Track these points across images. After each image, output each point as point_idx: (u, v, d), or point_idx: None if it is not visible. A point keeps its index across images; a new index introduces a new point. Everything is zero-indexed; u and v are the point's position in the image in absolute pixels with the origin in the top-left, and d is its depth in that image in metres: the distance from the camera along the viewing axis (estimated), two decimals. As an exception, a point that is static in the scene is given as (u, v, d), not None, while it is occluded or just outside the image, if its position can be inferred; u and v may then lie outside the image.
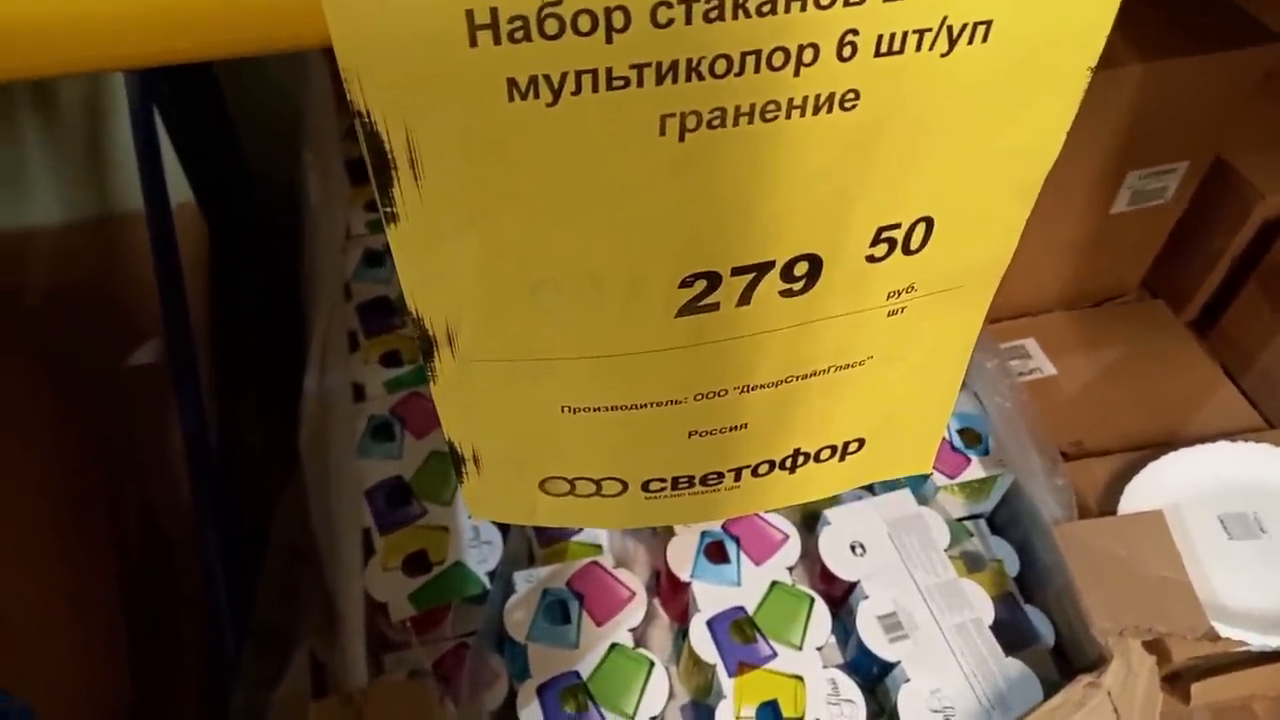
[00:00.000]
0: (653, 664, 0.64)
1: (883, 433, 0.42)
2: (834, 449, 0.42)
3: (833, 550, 0.69)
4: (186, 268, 1.07)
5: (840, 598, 0.69)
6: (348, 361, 0.79)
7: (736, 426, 0.38)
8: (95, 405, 0.85)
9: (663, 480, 0.40)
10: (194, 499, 0.71)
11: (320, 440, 0.72)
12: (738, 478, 0.41)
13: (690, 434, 0.38)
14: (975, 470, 0.74)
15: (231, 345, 0.94)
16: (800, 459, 0.41)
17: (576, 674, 0.63)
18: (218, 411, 0.89)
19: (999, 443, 0.75)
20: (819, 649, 0.65)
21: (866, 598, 0.67)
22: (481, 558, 0.69)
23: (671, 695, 0.67)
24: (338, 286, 0.81)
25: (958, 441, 0.76)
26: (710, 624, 0.65)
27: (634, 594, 0.67)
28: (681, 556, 0.69)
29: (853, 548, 0.69)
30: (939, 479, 0.74)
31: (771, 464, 0.41)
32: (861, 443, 0.42)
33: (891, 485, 0.75)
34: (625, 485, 0.40)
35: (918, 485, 0.74)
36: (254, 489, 0.84)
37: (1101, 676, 0.57)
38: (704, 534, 0.70)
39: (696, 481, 0.40)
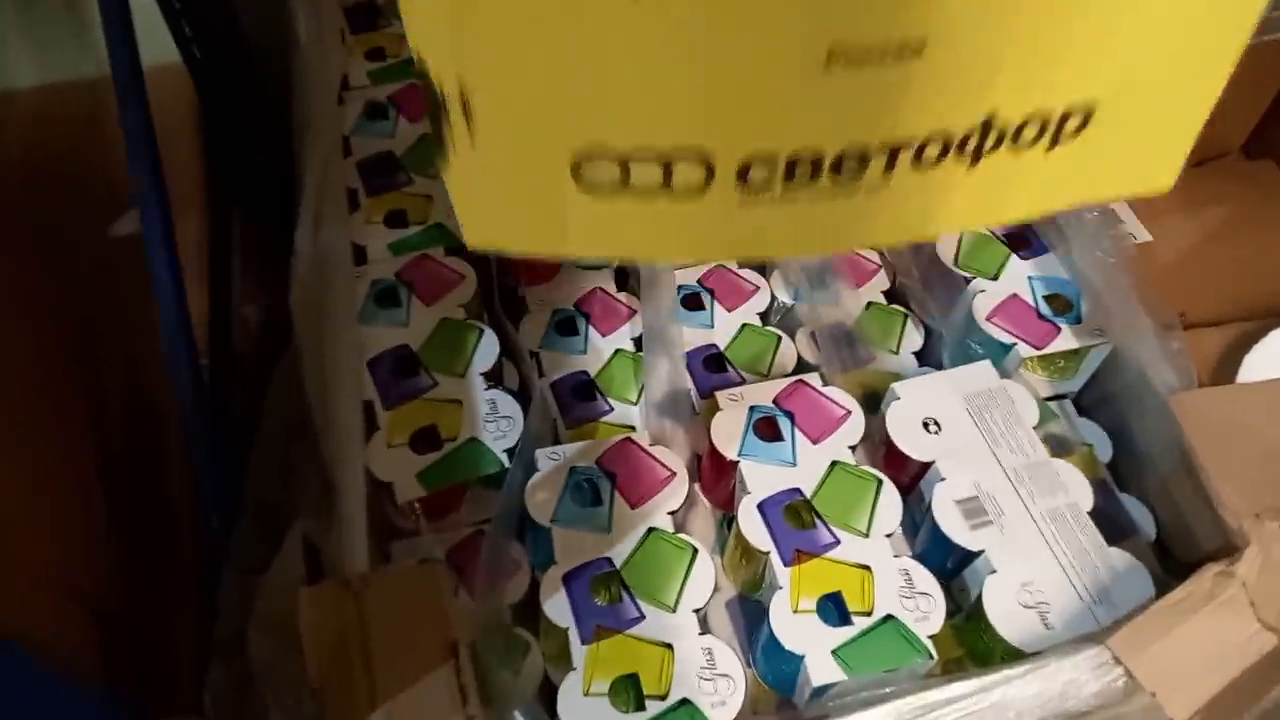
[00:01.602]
0: (696, 551, 0.55)
1: (1122, 101, 0.27)
2: (1045, 124, 0.26)
3: (902, 427, 0.60)
4: (175, 132, 0.98)
5: (911, 482, 0.60)
6: (347, 220, 0.69)
7: (908, 46, 0.23)
8: (76, 278, 0.77)
9: (771, 158, 0.25)
10: (169, 372, 0.63)
11: (316, 305, 0.63)
12: (891, 164, 0.26)
13: (831, 55, 0.23)
14: (1065, 340, 0.64)
15: (226, 213, 0.85)
16: (991, 137, 0.26)
17: (609, 561, 0.55)
18: (208, 282, 0.80)
19: (1096, 308, 0.65)
20: (888, 536, 0.56)
21: (943, 480, 0.58)
22: (499, 433, 0.60)
23: (717, 588, 0.59)
24: (333, 135, 0.72)
25: (1045, 308, 0.66)
26: (762, 507, 0.57)
27: (673, 474, 0.59)
28: (728, 433, 0.60)
29: (925, 425, 0.60)
30: (1023, 349, 0.64)
31: (947, 144, 0.26)
32: (1088, 116, 0.27)
33: (968, 355, 0.66)
34: (710, 170, 0.26)
35: (999, 356, 0.64)
36: (252, 362, 0.76)
37: (1235, 564, 0.48)
38: (753, 409, 0.61)
39: (825, 167, 0.26)
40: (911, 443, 0.59)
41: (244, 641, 0.53)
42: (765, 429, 0.61)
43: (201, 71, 0.92)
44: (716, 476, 0.62)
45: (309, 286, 0.63)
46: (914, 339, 0.72)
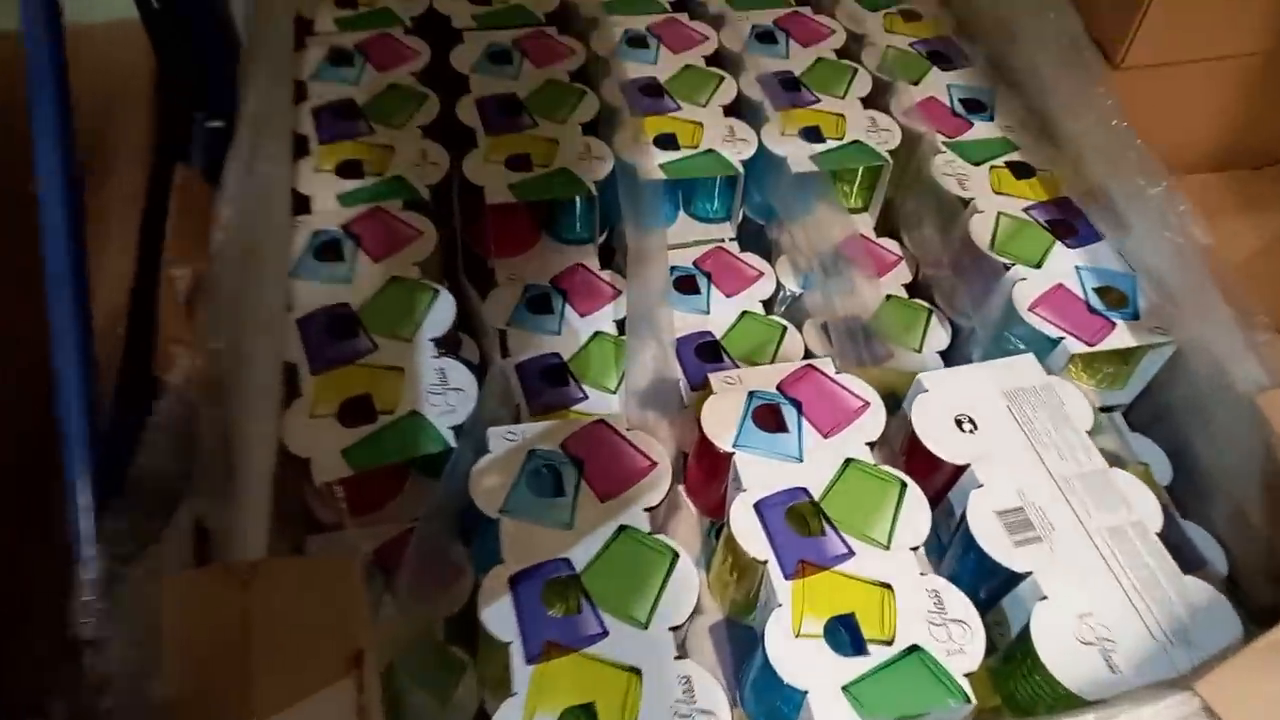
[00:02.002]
0: (676, 555, 0.45)
1: None
2: None
3: (930, 423, 0.50)
4: (127, 87, 0.89)
5: (939, 490, 0.49)
6: (289, 164, 0.60)
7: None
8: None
9: None
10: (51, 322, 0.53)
11: (241, 253, 0.54)
12: None
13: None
14: (1121, 337, 0.55)
15: (169, 173, 0.76)
16: None
17: (567, 563, 0.44)
18: (138, 243, 0.70)
19: (1158, 302, 0.55)
20: (913, 550, 0.45)
21: (980, 486, 0.47)
22: (447, 408, 0.50)
23: (699, 609, 0.48)
24: (277, 71, 0.63)
25: (1096, 301, 0.56)
26: (760, 508, 0.46)
27: (654, 463, 0.49)
28: (721, 420, 0.50)
29: (959, 423, 0.50)
30: (1072, 345, 0.54)
31: None
32: None
33: (1004, 352, 0.56)
34: None
35: (1043, 352, 0.54)
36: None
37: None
38: (753, 395, 0.51)
39: None
40: (941, 441, 0.49)
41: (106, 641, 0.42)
42: (766, 418, 0.51)
43: (158, 25, 0.84)
44: (706, 475, 0.52)
45: (234, 231, 0.54)
46: (939, 337, 0.62)
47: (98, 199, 0.77)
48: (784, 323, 0.62)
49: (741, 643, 0.48)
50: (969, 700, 0.41)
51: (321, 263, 0.56)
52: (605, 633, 0.42)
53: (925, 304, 0.64)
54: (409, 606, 0.46)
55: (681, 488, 0.55)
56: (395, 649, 0.45)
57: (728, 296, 0.64)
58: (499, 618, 0.42)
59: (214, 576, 0.40)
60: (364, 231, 0.58)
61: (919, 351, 0.61)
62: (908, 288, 0.66)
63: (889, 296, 0.64)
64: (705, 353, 0.61)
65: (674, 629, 0.42)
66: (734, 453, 0.49)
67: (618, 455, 0.49)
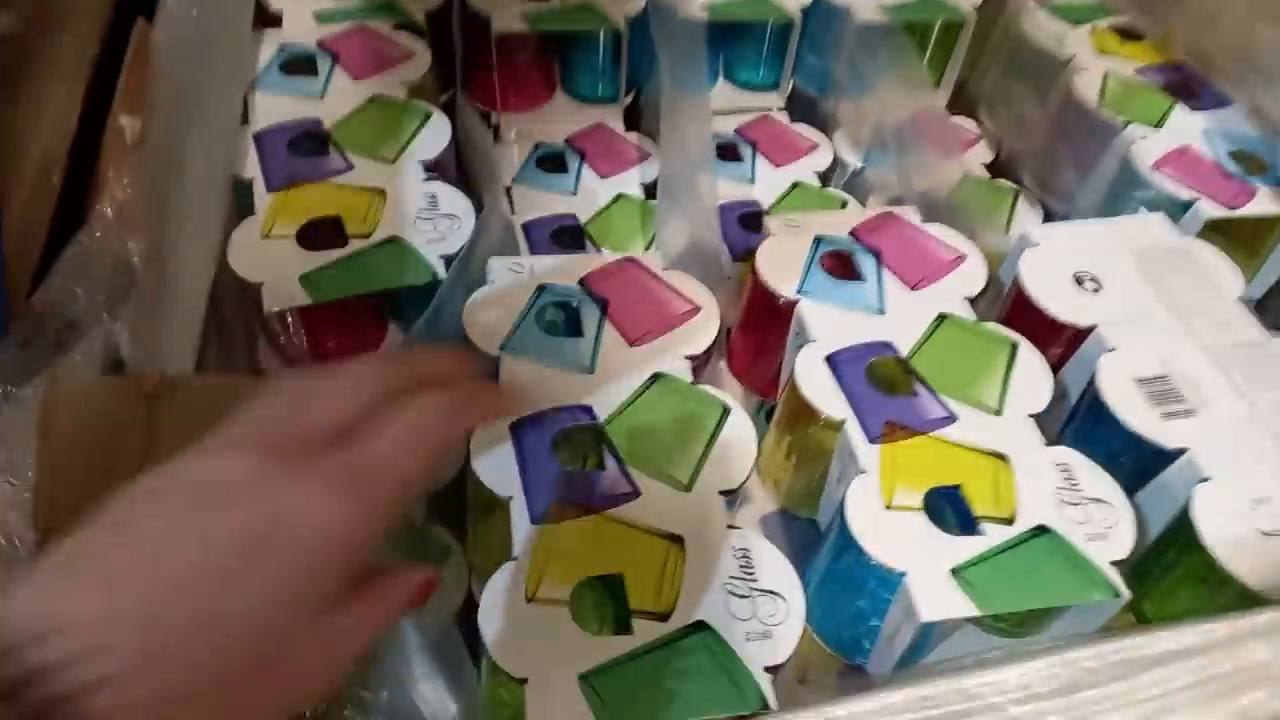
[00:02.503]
0: (727, 409, 0.35)
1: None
2: None
3: (1044, 280, 0.40)
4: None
5: (1056, 358, 0.39)
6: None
7: None
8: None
9: None
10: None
11: (190, 58, 0.44)
12: None
13: None
14: (1266, 203, 0.45)
15: (129, 24, 0.66)
16: None
17: (587, 411, 0.34)
18: (86, 92, 0.60)
19: (1306, 167, 0.46)
20: (1033, 416, 0.35)
21: (1112, 350, 0.37)
22: (436, 235, 0.40)
23: (744, 497, 0.38)
24: None
25: (1231, 165, 0.47)
26: (833, 362, 0.36)
27: (697, 308, 0.38)
28: (780, 266, 0.40)
29: (1079, 281, 0.40)
30: (1208, 208, 0.44)
31: None
32: None
33: (1119, 197, 0.46)
34: None
35: (1174, 216, 0.45)
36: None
37: None
38: (820, 240, 0.41)
39: None
40: (1059, 300, 0.39)
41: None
42: (837, 266, 0.41)
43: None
44: (758, 341, 0.42)
45: (180, 27, 0.44)
46: (1029, 219, 0.52)
47: (48, 53, 0.67)
48: (844, 195, 0.52)
49: (801, 543, 0.38)
50: (1119, 594, 0.30)
51: (289, 77, 0.46)
52: (636, 493, 0.31)
53: (1011, 184, 0.54)
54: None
55: (724, 365, 0.45)
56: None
57: (776, 167, 0.54)
58: (496, 469, 0.31)
59: (115, 388, 0.30)
60: (343, 49, 0.48)
61: (1006, 234, 0.51)
62: (989, 169, 0.56)
63: (966, 177, 0.54)
64: (750, 223, 0.51)
65: (725, 494, 0.32)
66: (797, 301, 0.38)
67: (651, 296, 0.38)
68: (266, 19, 0.50)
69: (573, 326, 0.37)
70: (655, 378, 0.35)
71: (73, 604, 0.18)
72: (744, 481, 0.33)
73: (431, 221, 0.40)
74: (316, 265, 0.38)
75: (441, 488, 0.37)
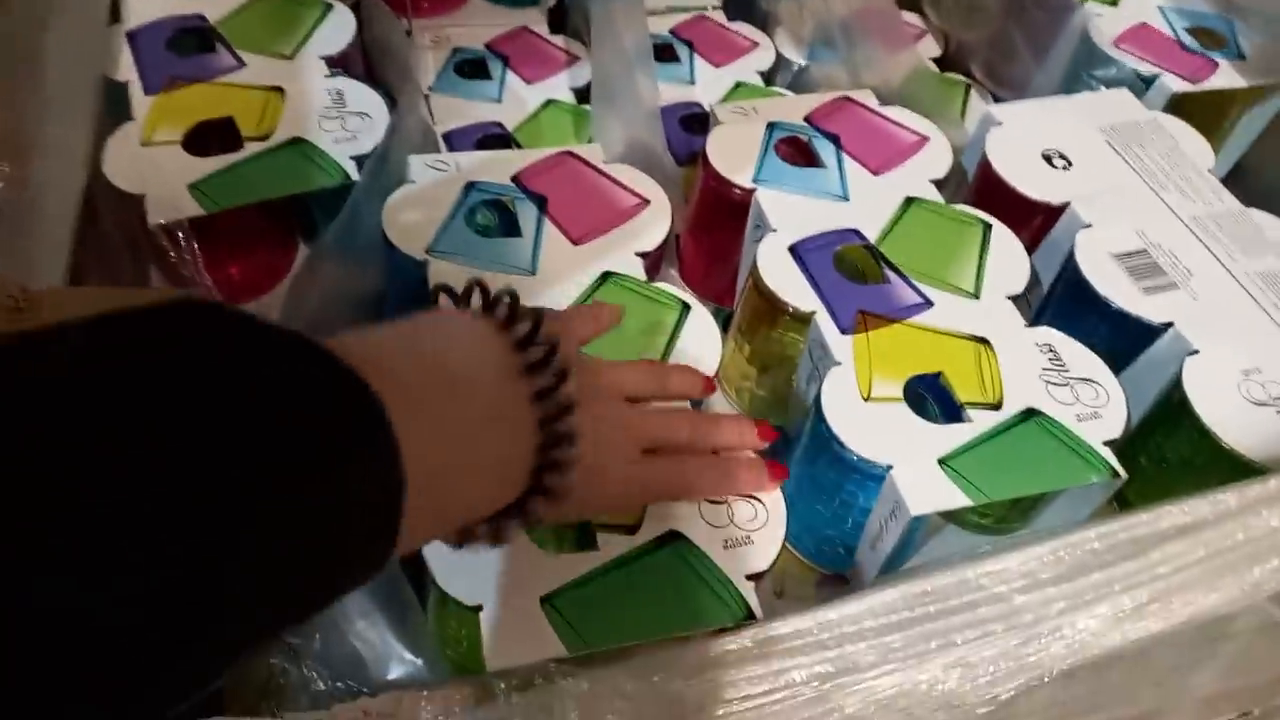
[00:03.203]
0: (687, 306, 0.31)
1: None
2: None
3: (1012, 159, 0.37)
4: None
5: (1033, 235, 0.37)
6: None
7: None
8: None
9: None
10: None
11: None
12: None
13: None
14: (1228, 76, 0.43)
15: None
16: None
17: (528, 315, 0.30)
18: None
19: (1270, 39, 0.44)
20: (1012, 299, 0.33)
21: (1088, 226, 0.35)
22: (345, 135, 0.35)
23: (705, 408, 0.35)
24: None
25: (1189, 40, 0.45)
26: (797, 251, 0.33)
27: (645, 201, 0.35)
28: (733, 154, 0.36)
29: (1048, 159, 0.38)
30: (1171, 82, 0.42)
31: None
32: None
33: (1078, 79, 0.44)
34: None
35: (1140, 89, 0.42)
36: None
37: None
38: (774, 126, 0.38)
39: None
40: (1029, 178, 0.37)
41: None
42: (793, 153, 0.38)
43: None
44: (712, 243, 0.38)
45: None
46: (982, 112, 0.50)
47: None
48: (790, 94, 0.49)
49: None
50: (1116, 474, 0.28)
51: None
52: (588, 398, 0.28)
53: (962, 77, 0.52)
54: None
55: (674, 273, 0.41)
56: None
57: (716, 67, 0.50)
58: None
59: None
60: (231, -61, 0.42)
61: (961, 125, 0.49)
62: (937, 64, 0.53)
63: (916, 70, 0.52)
64: (693, 125, 0.47)
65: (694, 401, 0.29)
66: (754, 190, 0.35)
67: (595, 191, 0.35)
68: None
69: (508, 227, 0.33)
70: (605, 277, 0.32)
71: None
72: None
73: (339, 120, 0.36)
74: (208, 172, 0.33)
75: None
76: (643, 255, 0.33)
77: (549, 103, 0.47)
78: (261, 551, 0.15)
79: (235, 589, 0.15)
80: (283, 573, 0.15)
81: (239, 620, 0.15)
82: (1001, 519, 0.32)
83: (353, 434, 0.17)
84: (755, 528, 0.26)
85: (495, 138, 0.45)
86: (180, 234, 0.32)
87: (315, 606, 0.17)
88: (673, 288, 0.32)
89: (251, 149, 0.34)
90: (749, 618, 0.24)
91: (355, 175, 0.34)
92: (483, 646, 0.23)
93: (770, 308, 0.32)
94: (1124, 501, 0.33)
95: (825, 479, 0.30)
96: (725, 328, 0.38)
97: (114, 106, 0.36)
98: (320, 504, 0.16)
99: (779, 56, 0.52)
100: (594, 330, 0.28)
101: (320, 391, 0.17)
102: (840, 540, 0.31)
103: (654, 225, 0.34)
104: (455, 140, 0.44)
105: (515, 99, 0.47)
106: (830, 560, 0.32)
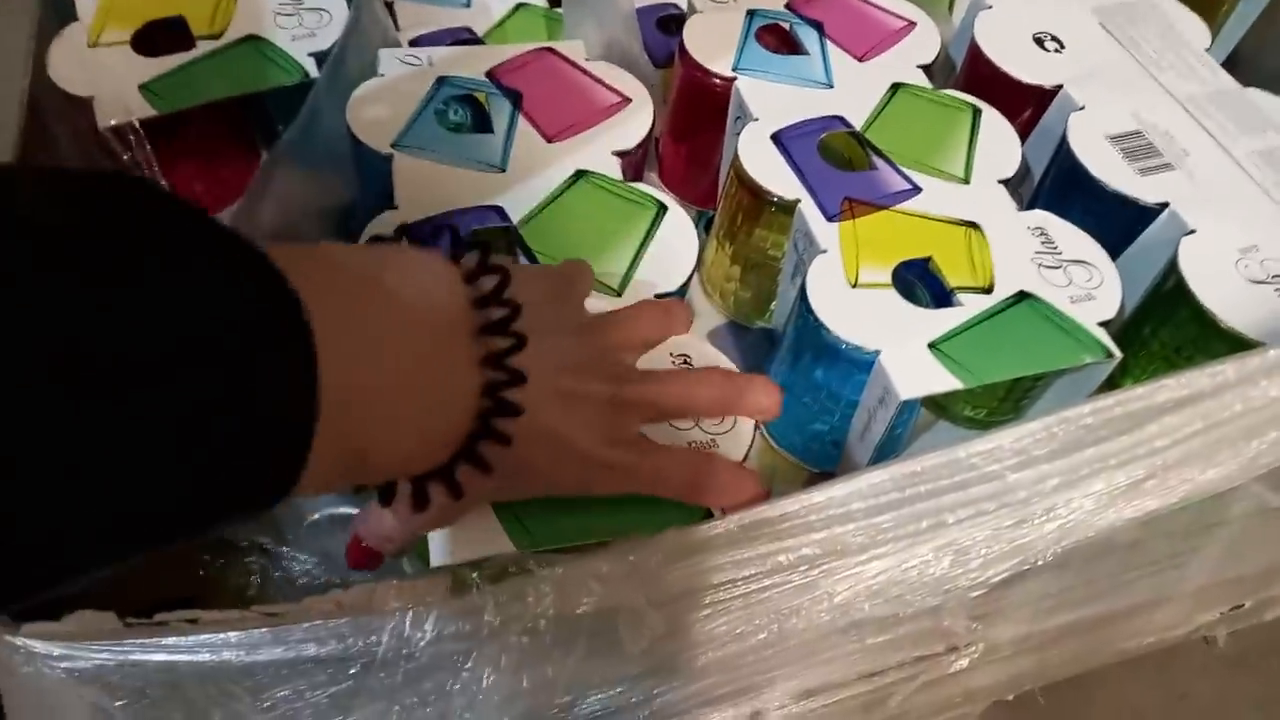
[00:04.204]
0: (663, 207, 0.30)
1: None
2: None
3: (1002, 43, 0.36)
4: None
5: (1024, 124, 0.35)
6: None
7: None
8: None
9: None
10: None
11: None
12: None
13: None
14: (1226, -43, 0.41)
15: None
16: None
17: (498, 212, 0.29)
18: None
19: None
20: (1003, 182, 0.32)
21: (1081, 109, 0.34)
22: (303, 31, 0.34)
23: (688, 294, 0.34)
24: None
25: (1188, -80, 0.43)
26: (780, 139, 0.32)
27: (626, 99, 0.33)
28: (712, 42, 0.35)
29: (1039, 41, 0.36)
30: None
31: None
32: None
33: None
34: None
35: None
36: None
37: None
38: (754, 14, 0.36)
39: None
40: (1021, 61, 0.35)
41: None
42: (775, 40, 0.36)
43: None
44: (691, 141, 0.37)
45: None
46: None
47: None
48: (772, -10, 0.47)
49: (753, 354, 0.34)
50: (1110, 354, 0.27)
51: None
52: (565, 292, 0.27)
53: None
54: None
55: (655, 177, 0.40)
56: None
57: (695, -35, 0.48)
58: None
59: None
60: None
61: (949, 15, 0.47)
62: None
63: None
64: (671, 26, 0.45)
65: (666, 296, 0.28)
66: (734, 79, 0.34)
67: (573, 88, 0.33)
68: None
69: (480, 123, 0.32)
70: (578, 175, 0.30)
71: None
72: (685, 284, 0.29)
73: (295, 16, 0.34)
74: (160, 72, 0.32)
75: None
76: (620, 154, 0.31)
77: (520, 6, 0.45)
78: (129, 439, 0.13)
79: (98, 476, 0.13)
80: (157, 471, 0.14)
81: (100, 515, 0.13)
82: (993, 411, 0.32)
83: (261, 331, 0.15)
84: (722, 431, 0.25)
85: (464, 43, 0.43)
86: (133, 137, 0.31)
87: (192, 525, 0.15)
88: (650, 188, 0.30)
89: (204, 47, 0.33)
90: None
91: (314, 73, 0.32)
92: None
93: (754, 200, 0.31)
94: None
95: (812, 371, 0.29)
96: (707, 230, 0.37)
97: (57, 6, 0.34)
98: (210, 399, 0.14)
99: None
100: (660, 332, 0.25)
101: (232, 283, 0.15)
102: (829, 434, 0.30)
103: (634, 124, 0.32)
104: (424, 45, 0.42)
105: (484, 3, 0.45)
106: (818, 457, 0.31)
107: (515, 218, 0.29)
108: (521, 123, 0.32)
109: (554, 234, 0.29)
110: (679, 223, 0.30)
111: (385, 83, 0.32)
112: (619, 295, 0.28)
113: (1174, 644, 0.40)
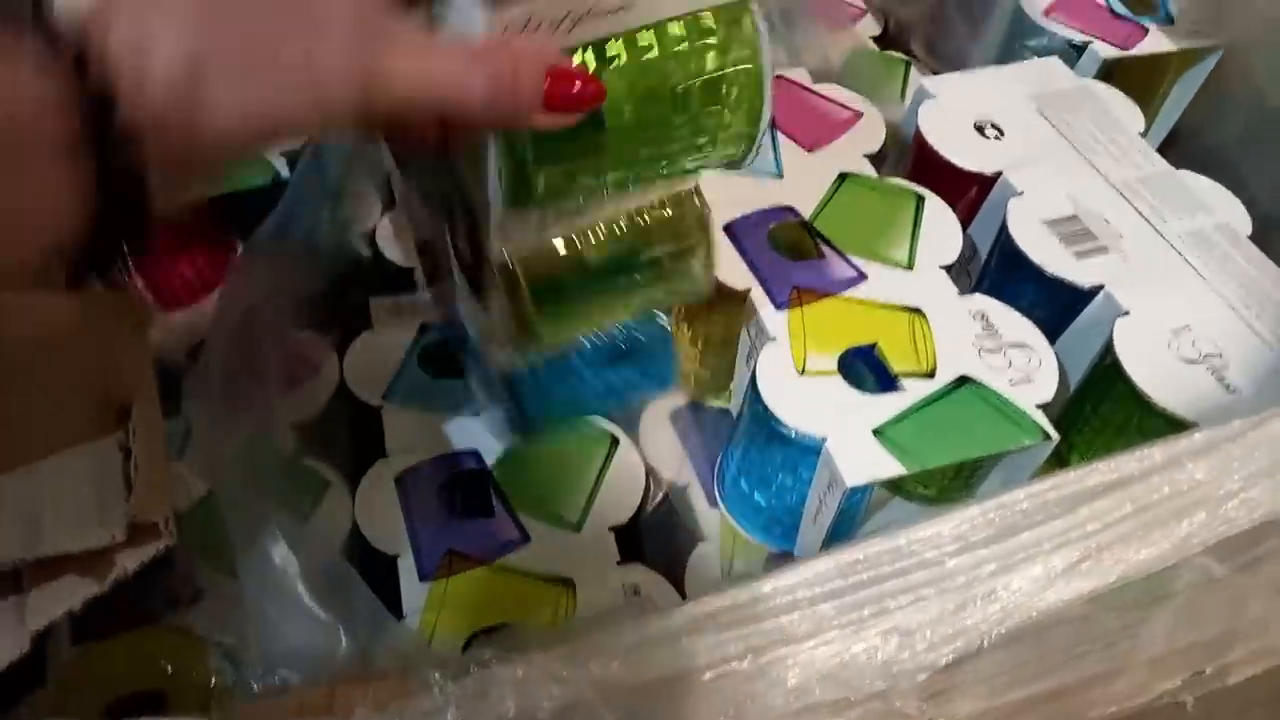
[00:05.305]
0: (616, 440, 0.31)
1: None
2: None
3: (944, 131, 0.38)
4: None
5: (964, 211, 0.37)
6: None
7: None
8: None
9: None
10: None
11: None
12: None
13: None
14: (1157, 41, 0.43)
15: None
16: None
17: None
18: None
19: (1194, 4, 0.44)
20: (946, 269, 0.33)
21: (1019, 194, 0.35)
22: (277, 133, 0.35)
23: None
24: None
25: (1119, 6, 0.45)
26: (732, 230, 0.33)
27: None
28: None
29: (979, 129, 0.38)
30: (1102, 50, 0.43)
31: None
32: None
33: (1012, 50, 0.44)
34: None
35: (1072, 57, 0.43)
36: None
37: None
38: (707, 108, 0.38)
39: None
40: (961, 149, 0.37)
41: None
42: (727, 134, 0.38)
43: None
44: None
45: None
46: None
47: None
48: (731, 76, 0.49)
49: (713, 432, 0.35)
50: (1048, 436, 0.28)
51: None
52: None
53: (901, 55, 0.52)
54: (234, 407, 0.31)
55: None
56: (216, 466, 0.30)
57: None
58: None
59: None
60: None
61: (901, 103, 0.49)
62: (878, 42, 0.54)
63: (856, 50, 0.52)
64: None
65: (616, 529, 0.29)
66: (689, 172, 0.35)
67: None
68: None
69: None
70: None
71: None
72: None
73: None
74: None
75: (318, 422, 0.33)
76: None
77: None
78: None
79: None
80: None
81: None
82: (944, 489, 0.33)
83: None
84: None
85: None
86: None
87: None
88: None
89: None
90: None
91: (286, 173, 0.34)
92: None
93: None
94: (1066, 465, 0.34)
95: (766, 455, 0.30)
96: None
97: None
98: None
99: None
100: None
101: None
102: (786, 516, 0.31)
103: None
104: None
105: None
106: (777, 537, 0.32)
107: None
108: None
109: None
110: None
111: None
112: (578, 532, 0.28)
113: (1142, 710, 0.41)
